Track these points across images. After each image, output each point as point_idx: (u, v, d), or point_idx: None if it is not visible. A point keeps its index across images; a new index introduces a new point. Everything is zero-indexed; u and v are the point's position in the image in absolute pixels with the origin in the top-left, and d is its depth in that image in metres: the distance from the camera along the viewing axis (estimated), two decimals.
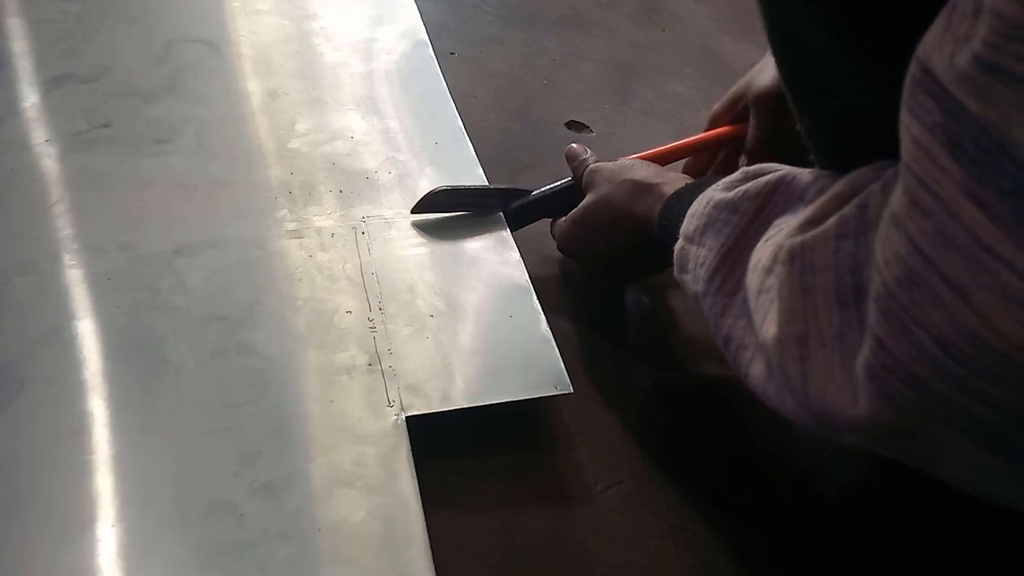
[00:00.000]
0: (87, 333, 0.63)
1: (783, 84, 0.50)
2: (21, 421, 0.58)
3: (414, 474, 0.58)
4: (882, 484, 0.57)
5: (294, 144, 0.81)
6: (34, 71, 0.85)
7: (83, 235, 0.70)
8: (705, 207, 0.50)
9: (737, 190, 0.48)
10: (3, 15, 0.91)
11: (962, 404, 0.32)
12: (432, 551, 0.55)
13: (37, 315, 0.64)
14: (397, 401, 0.61)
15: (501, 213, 0.77)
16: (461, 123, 0.86)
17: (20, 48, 0.87)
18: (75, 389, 0.60)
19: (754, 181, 0.48)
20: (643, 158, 0.77)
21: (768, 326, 0.40)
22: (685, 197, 0.57)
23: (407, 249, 0.73)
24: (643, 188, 0.65)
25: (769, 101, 0.77)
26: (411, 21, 1.00)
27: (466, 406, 0.62)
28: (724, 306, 0.46)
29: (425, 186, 0.77)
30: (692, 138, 0.82)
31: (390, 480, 0.57)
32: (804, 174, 0.46)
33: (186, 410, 0.60)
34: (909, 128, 0.34)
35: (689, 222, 0.51)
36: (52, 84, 0.84)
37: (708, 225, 0.49)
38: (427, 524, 0.56)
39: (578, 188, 0.74)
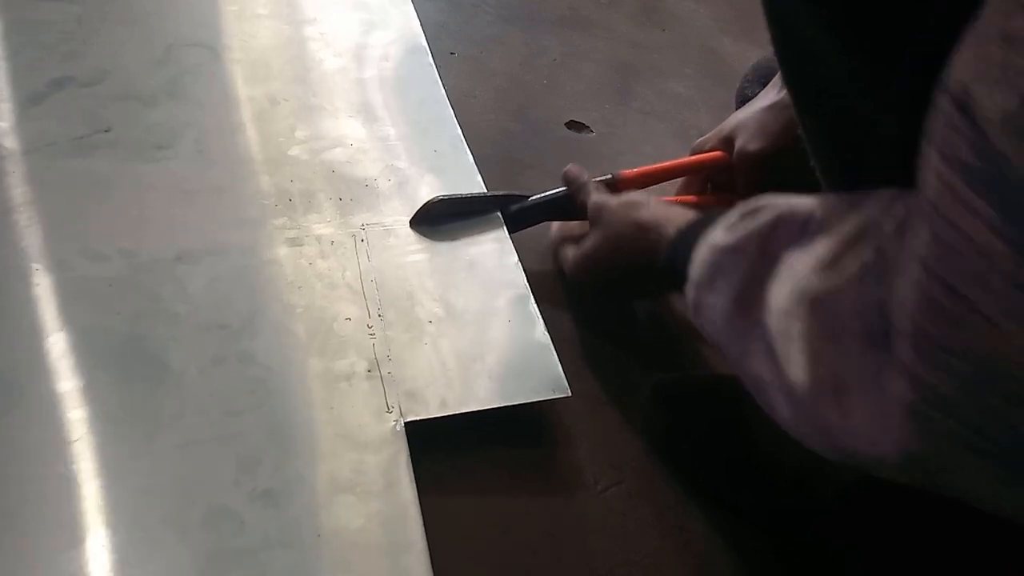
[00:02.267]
0: (87, 340, 0.64)
1: (784, 82, 0.51)
2: (20, 428, 0.58)
3: (413, 480, 0.58)
4: (882, 484, 0.57)
5: (294, 151, 0.81)
6: (34, 74, 0.85)
7: (84, 240, 0.70)
8: (710, 253, 0.51)
9: (738, 232, 0.49)
10: (2, 17, 0.91)
11: (997, 432, 0.33)
12: (431, 554, 0.55)
13: (36, 321, 0.65)
14: (396, 407, 0.62)
15: (499, 214, 0.77)
16: (460, 131, 0.86)
17: (20, 50, 0.87)
18: (74, 396, 0.60)
19: (754, 221, 0.48)
20: (635, 175, 0.79)
21: (798, 371, 0.41)
22: (688, 237, 0.58)
23: (406, 256, 0.73)
24: (648, 228, 0.65)
25: (753, 164, 0.79)
26: (409, 26, 1.00)
27: (465, 411, 0.62)
28: (744, 349, 0.47)
29: (424, 194, 0.77)
30: (680, 160, 0.84)
31: (389, 486, 0.58)
32: (801, 206, 0.46)
33: (186, 418, 0.60)
34: (936, 167, 0.34)
35: (697, 269, 0.52)
36: (52, 87, 0.84)
37: (716, 271, 0.50)
38: (426, 526, 0.56)
39: (576, 198, 0.75)
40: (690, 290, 0.53)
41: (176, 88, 0.86)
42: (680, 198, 0.85)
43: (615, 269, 0.70)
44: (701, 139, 0.85)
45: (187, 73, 0.88)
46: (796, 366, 0.41)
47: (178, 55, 0.91)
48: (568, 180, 0.77)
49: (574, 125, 0.99)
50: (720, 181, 0.84)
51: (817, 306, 0.40)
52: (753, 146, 0.79)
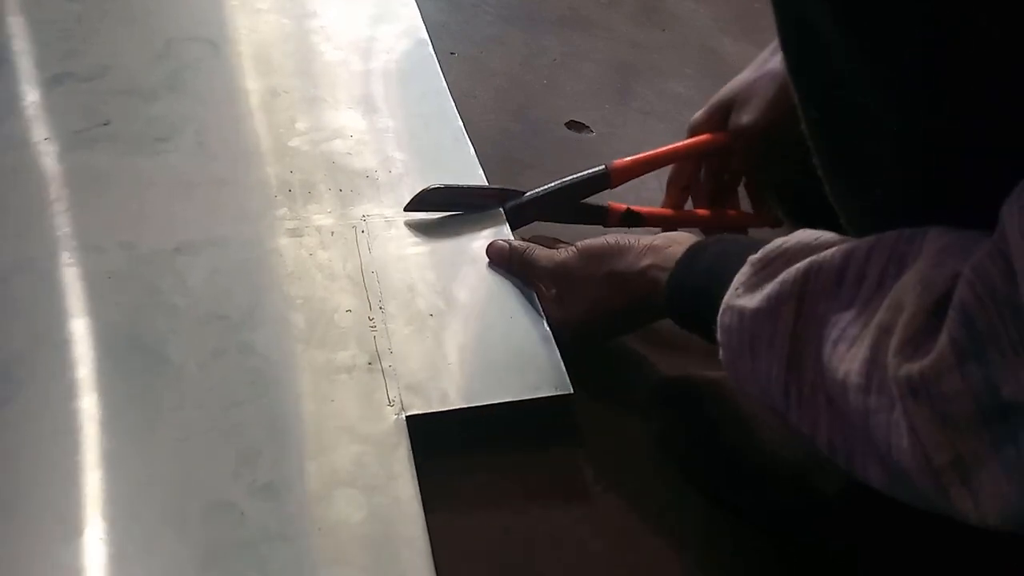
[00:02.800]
0: (86, 332, 0.63)
1: (788, 74, 0.50)
2: (19, 420, 0.58)
3: (414, 474, 0.58)
4: (873, 501, 0.57)
5: (294, 143, 0.81)
6: (34, 70, 0.85)
7: (83, 234, 0.70)
8: (740, 321, 0.48)
9: (767, 295, 0.47)
10: (4, 14, 0.91)
11: None
12: (432, 551, 0.55)
13: (36, 314, 0.64)
14: (397, 401, 0.61)
15: (501, 210, 0.76)
16: (461, 123, 0.86)
17: (21, 47, 0.87)
18: (74, 388, 0.60)
19: (778, 278, 0.47)
20: (628, 164, 0.78)
21: (907, 457, 0.40)
22: (685, 279, 0.57)
23: (407, 248, 0.73)
24: (629, 277, 0.63)
25: (750, 138, 0.76)
26: (411, 20, 1.00)
27: (465, 406, 0.62)
28: (813, 416, 0.45)
29: (424, 186, 0.77)
30: (673, 146, 0.81)
31: (390, 480, 0.57)
32: (826, 258, 0.45)
33: (186, 410, 0.59)
34: None
35: (727, 335, 0.49)
36: (52, 83, 0.84)
37: (754, 339, 0.48)
38: (427, 524, 0.56)
39: (574, 191, 0.75)
40: (724, 356, 0.50)
41: (176, 82, 0.86)
42: (652, 209, 0.82)
43: (607, 325, 0.69)
44: (696, 115, 0.82)
45: (187, 67, 0.88)
46: (902, 451, 0.40)
47: (178, 50, 0.90)
48: (499, 260, 0.73)
49: (574, 125, 0.99)
50: (712, 167, 0.82)
51: (917, 391, 0.39)
52: (748, 118, 0.76)
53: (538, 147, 0.94)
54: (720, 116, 0.79)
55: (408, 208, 0.75)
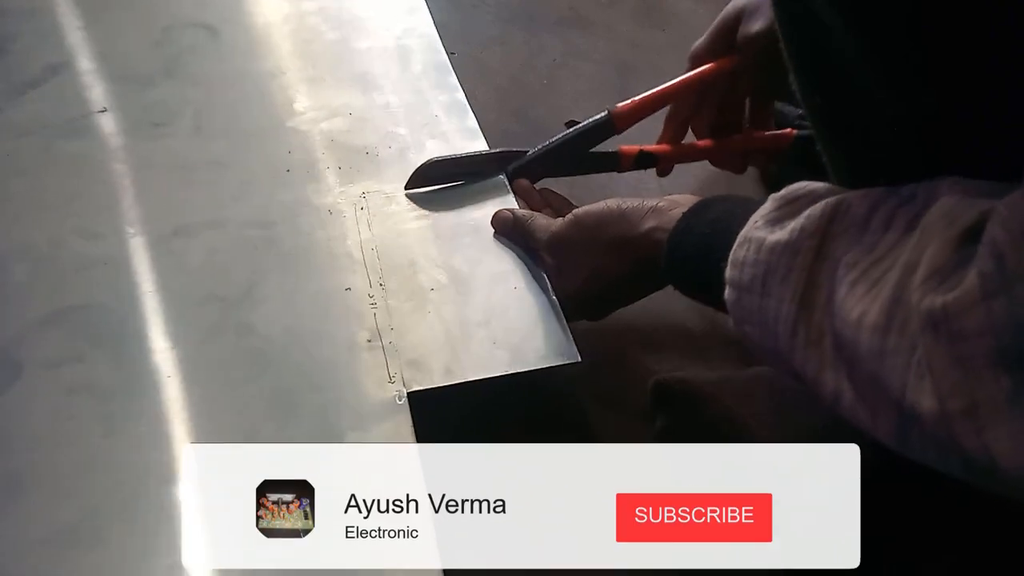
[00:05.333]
0: (84, 316, 0.63)
1: (788, 60, 0.48)
2: (19, 405, 0.58)
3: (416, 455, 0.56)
4: (882, 483, 0.55)
5: (292, 123, 0.80)
6: (29, 61, 0.84)
7: (79, 219, 0.69)
8: (757, 252, 0.46)
9: (790, 228, 0.45)
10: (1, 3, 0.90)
11: None
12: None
13: (34, 298, 0.64)
14: (399, 377, 0.60)
15: (503, 176, 0.74)
16: (463, 94, 0.84)
17: (15, 38, 0.86)
18: (73, 372, 0.59)
19: (802, 214, 0.44)
20: (632, 106, 0.75)
21: (920, 398, 0.37)
22: (687, 237, 0.55)
23: (408, 223, 0.71)
24: (627, 242, 0.60)
25: (762, 46, 0.72)
26: None
27: (470, 379, 0.60)
28: (820, 360, 0.43)
29: (425, 159, 0.75)
30: (675, 81, 0.77)
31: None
32: (855, 200, 0.43)
33: (188, 391, 0.59)
34: None
35: (740, 271, 0.47)
36: (48, 72, 0.83)
37: (769, 272, 0.45)
38: None
39: (579, 141, 0.73)
40: (730, 294, 0.48)
41: (173, 68, 0.85)
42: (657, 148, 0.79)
43: (609, 296, 0.66)
44: (698, 43, 0.78)
45: (184, 53, 0.87)
46: (916, 392, 0.37)
47: (176, 36, 0.89)
48: (503, 231, 0.70)
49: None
50: (714, 97, 0.78)
51: (937, 326, 0.36)
52: (759, 25, 0.72)
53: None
54: (724, 39, 0.76)
55: (409, 186, 0.73)
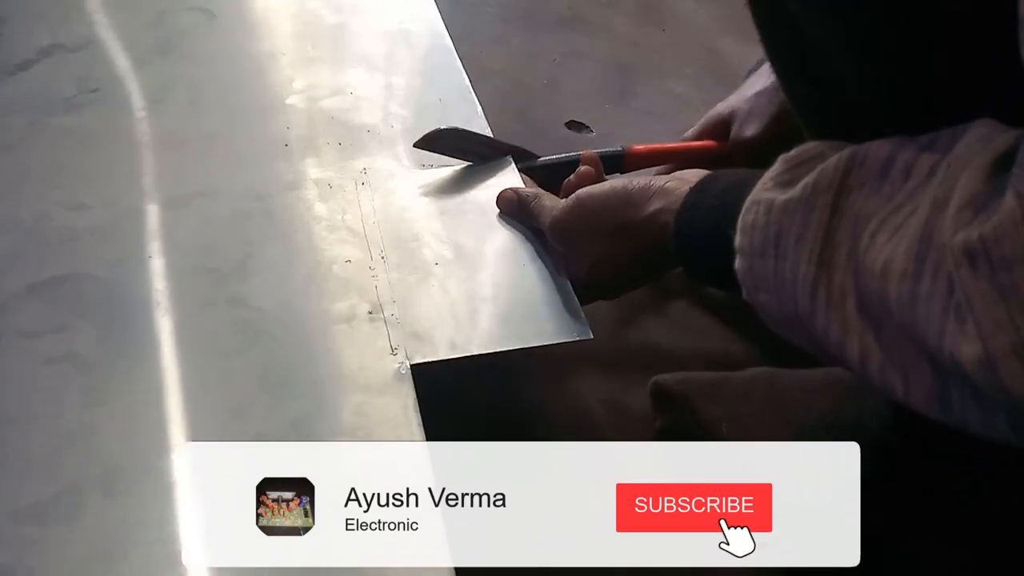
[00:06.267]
0: (68, 286, 0.60)
1: (766, 53, 0.48)
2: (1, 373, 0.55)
3: (420, 424, 0.53)
4: (882, 483, 0.53)
5: (291, 100, 0.77)
6: (23, 42, 0.82)
7: (66, 192, 0.67)
8: (767, 214, 0.42)
9: (802, 185, 0.41)
10: None
11: None
12: None
13: (15, 269, 0.61)
14: (402, 349, 0.56)
15: (511, 158, 0.72)
16: (467, 78, 0.82)
17: (8, 20, 0.84)
18: (54, 343, 0.56)
19: (820, 170, 0.41)
20: (646, 151, 0.77)
21: (962, 344, 0.34)
22: (698, 211, 0.52)
23: (411, 199, 0.68)
24: (634, 224, 0.57)
25: (751, 151, 0.74)
26: None
27: (476, 353, 0.57)
28: (843, 323, 0.39)
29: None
30: (690, 144, 0.79)
31: (395, 430, 0.52)
32: (872, 150, 0.40)
33: (175, 362, 0.55)
34: None
35: (750, 235, 0.44)
36: (41, 54, 0.81)
37: (781, 233, 0.42)
38: None
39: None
40: (741, 262, 0.44)
41: (168, 48, 0.83)
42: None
43: (615, 282, 0.63)
44: (688, 132, 0.80)
45: (181, 34, 0.85)
46: (956, 338, 0.34)
47: (172, 19, 0.87)
48: (508, 210, 0.67)
49: (574, 125, 0.99)
50: None
51: (975, 257, 0.33)
52: (750, 132, 0.74)
53: (538, 147, 0.90)
54: (715, 135, 0.78)
55: (418, 144, 0.70)
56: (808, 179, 0.41)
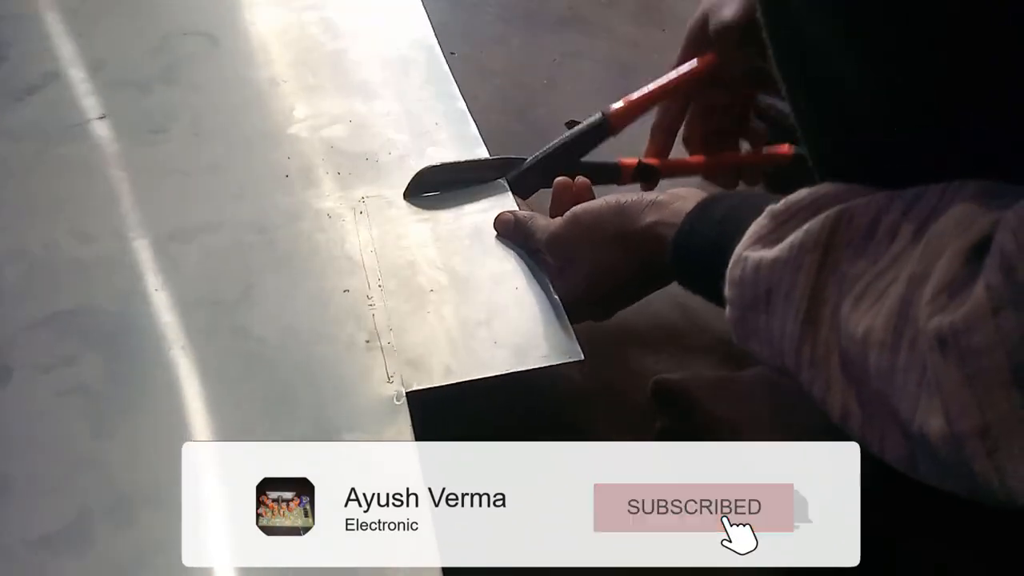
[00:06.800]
0: (77, 318, 0.61)
1: (771, 55, 0.48)
2: (8, 408, 0.56)
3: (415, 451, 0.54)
4: (883, 483, 0.54)
5: (292, 129, 0.79)
6: (28, 67, 0.84)
7: (73, 222, 0.68)
8: (754, 272, 0.44)
9: (788, 245, 0.43)
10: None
11: None
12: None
13: (26, 301, 0.63)
14: (397, 377, 0.58)
15: (503, 180, 0.73)
16: (464, 103, 0.83)
17: (14, 44, 0.86)
18: (64, 375, 0.58)
19: (805, 231, 0.42)
20: (626, 106, 0.75)
21: (931, 419, 0.36)
22: (694, 237, 0.53)
23: (407, 226, 0.70)
24: (632, 237, 0.59)
25: (734, 30, 0.71)
26: (413, 7, 0.98)
27: (470, 379, 0.58)
28: (827, 379, 0.41)
29: (422, 166, 0.74)
30: (666, 79, 0.77)
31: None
32: (858, 209, 0.41)
33: (178, 393, 0.57)
34: None
35: (740, 290, 0.45)
36: (46, 79, 0.83)
37: (771, 291, 0.43)
38: None
39: (576, 145, 0.72)
40: (731, 313, 0.46)
41: (172, 75, 0.85)
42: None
43: (610, 296, 0.65)
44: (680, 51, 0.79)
45: (184, 61, 0.86)
46: (926, 412, 0.36)
47: (175, 44, 0.89)
48: (504, 233, 0.69)
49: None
50: (701, 107, 0.79)
51: (945, 344, 0.35)
52: (728, 12, 0.71)
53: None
54: (697, 43, 0.76)
55: (407, 193, 0.72)
56: (794, 238, 0.42)
